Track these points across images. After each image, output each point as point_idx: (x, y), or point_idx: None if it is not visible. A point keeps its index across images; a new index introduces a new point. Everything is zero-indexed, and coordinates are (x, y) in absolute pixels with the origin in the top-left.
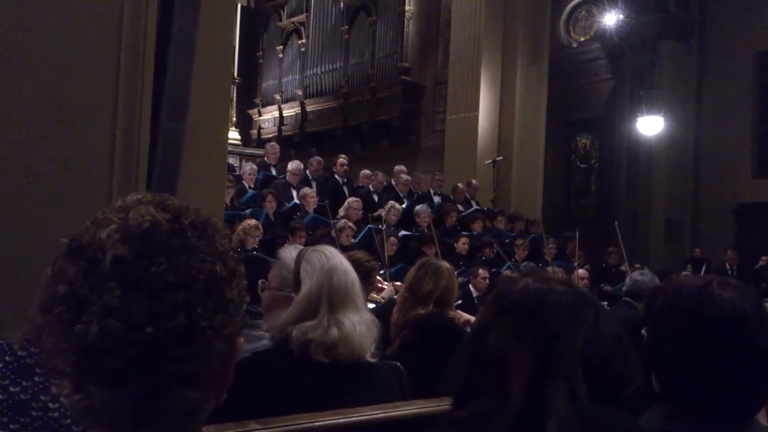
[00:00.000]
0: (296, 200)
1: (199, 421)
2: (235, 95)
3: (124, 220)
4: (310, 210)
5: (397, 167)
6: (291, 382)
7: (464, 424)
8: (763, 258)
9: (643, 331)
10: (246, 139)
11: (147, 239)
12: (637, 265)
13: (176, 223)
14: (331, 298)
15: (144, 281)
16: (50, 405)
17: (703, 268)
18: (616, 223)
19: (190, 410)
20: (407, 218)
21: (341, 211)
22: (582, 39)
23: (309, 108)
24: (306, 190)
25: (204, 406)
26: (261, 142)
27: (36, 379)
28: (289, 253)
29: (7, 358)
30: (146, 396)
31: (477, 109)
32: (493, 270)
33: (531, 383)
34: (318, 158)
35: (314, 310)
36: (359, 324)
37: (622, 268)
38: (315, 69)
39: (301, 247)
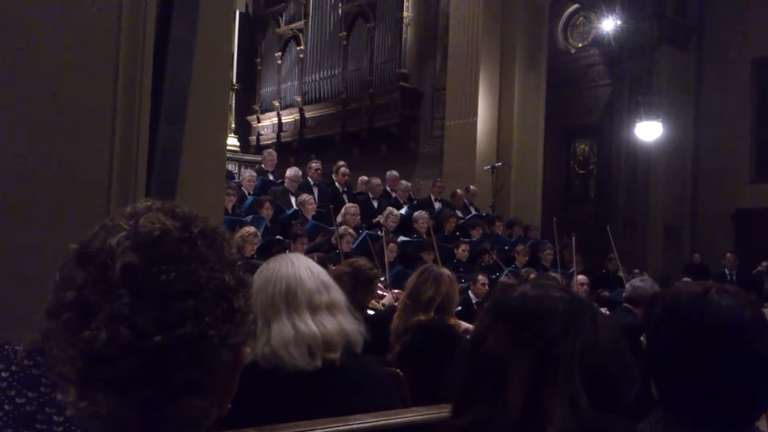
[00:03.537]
0: (295, 207)
1: (203, 429)
2: (233, 102)
3: (134, 227)
4: (309, 217)
5: (389, 173)
6: (281, 389)
7: None
8: (763, 263)
9: (642, 338)
10: (245, 146)
11: (157, 247)
12: (636, 271)
13: (186, 231)
14: (264, 313)
15: (153, 289)
16: (55, 418)
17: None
18: (608, 227)
19: (195, 418)
20: (406, 224)
21: (339, 218)
22: (580, 45)
23: (308, 114)
24: (305, 196)
25: (208, 414)
26: (260, 149)
27: (42, 390)
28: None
29: (13, 368)
30: (152, 403)
31: (475, 115)
32: (493, 276)
33: (530, 390)
34: (316, 161)
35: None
36: (285, 334)
37: (620, 273)
38: (313, 75)
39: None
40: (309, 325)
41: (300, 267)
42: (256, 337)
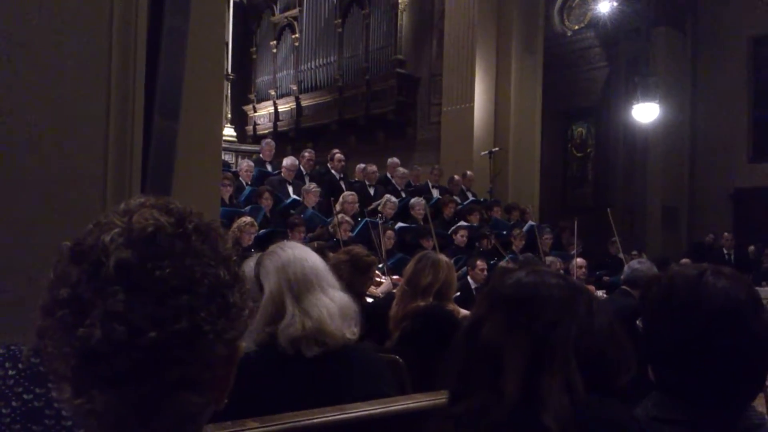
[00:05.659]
0: (294, 196)
1: (200, 425)
2: (229, 92)
3: (127, 223)
4: (310, 206)
5: (390, 160)
6: (282, 377)
7: (461, 420)
8: (750, 248)
9: (638, 322)
10: (242, 136)
11: (151, 243)
12: (634, 252)
13: (180, 227)
14: (292, 291)
15: (148, 285)
16: (63, 413)
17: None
18: (609, 210)
19: (192, 414)
20: (404, 211)
21: (337, 206)
22: (576, 27)
23: (304, 103)
24: (311, 186)
25: (205, 409)
26: (257, 138)
27: (50, 386)
28: (248, 266)
29: (20, 366)
30: (148, 400)
31: (472, 100)
32: (492, 261)
33: (526, 376)
34: (310, 150)
35: (281, 307)
36: (328, 306)
37: (621, 256)
38: (309, 63)
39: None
40: (339, 294)
41: (308, 251)
42: (282, 318)
